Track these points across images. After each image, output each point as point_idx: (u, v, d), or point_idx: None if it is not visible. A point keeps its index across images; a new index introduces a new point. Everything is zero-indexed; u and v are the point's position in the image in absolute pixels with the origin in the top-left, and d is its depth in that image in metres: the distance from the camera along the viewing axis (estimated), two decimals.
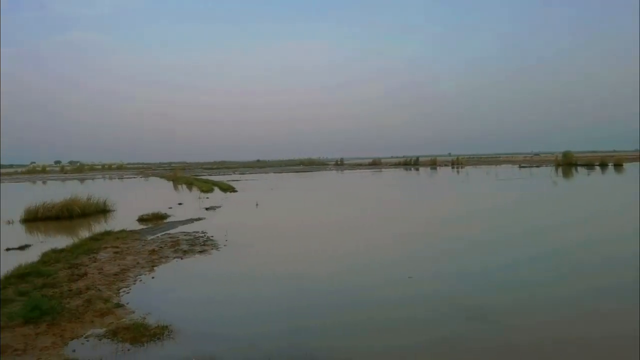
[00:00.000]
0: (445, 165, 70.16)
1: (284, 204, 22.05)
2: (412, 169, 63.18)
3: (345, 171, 60.09)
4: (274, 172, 60.91)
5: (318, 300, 6.98)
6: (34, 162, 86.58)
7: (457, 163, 73.02)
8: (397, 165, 75.94)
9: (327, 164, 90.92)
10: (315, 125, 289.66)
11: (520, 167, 57.39)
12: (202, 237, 12.40)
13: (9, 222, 16.57)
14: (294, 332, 5.66)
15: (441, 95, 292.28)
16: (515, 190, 27.40)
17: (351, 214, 17.66)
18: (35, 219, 17.00)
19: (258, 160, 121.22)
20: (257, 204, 20.47)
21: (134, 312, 6.30)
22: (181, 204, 21.64)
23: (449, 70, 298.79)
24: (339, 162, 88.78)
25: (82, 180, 50.61)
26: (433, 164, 72.44)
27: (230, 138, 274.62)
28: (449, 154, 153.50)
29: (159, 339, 5.37)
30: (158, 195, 29.20)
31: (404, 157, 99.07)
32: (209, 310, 6.71)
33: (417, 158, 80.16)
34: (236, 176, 51.15)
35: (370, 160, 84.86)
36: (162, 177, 53.63)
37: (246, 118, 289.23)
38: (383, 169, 63.84)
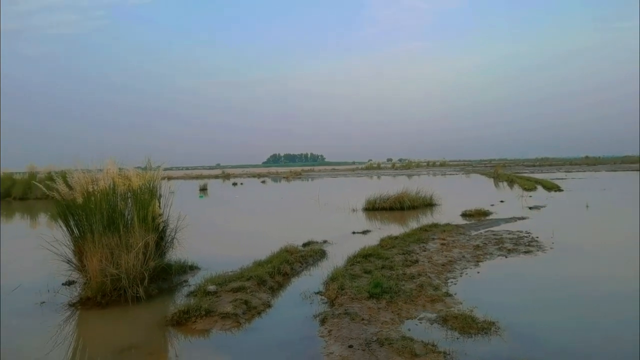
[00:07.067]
0: None
1: (619, 207, 18.82)
2: None
3: None
4: (606, 171, 52.48)
5: None
6: (371, 160, 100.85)
7: None
8: None
9: None
10: None
11: None
12: (526, 237, 11.82)
13: (353, 210, 19.67)
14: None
15: None
16: None
17: None
18: (373, 208, 19.76)
19: (587, 157, 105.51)
20: (587, 205, 18.15)
21: (461, 303, 6.55)
22: (502, 202, 21.14)
23: None
24: None
25: (409, 175, 55.27)
26: None
27: (553, 131, 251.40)
28: None
29: (486, 333, 5.43)
30: (479, 192, 29.34)
31: None
32: (535, 313, 6.36)
33: None
34: (561, 174, 46.45)
35: None
36: (482, 174, 53.56)
37: (569, 107, 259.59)
38: None
